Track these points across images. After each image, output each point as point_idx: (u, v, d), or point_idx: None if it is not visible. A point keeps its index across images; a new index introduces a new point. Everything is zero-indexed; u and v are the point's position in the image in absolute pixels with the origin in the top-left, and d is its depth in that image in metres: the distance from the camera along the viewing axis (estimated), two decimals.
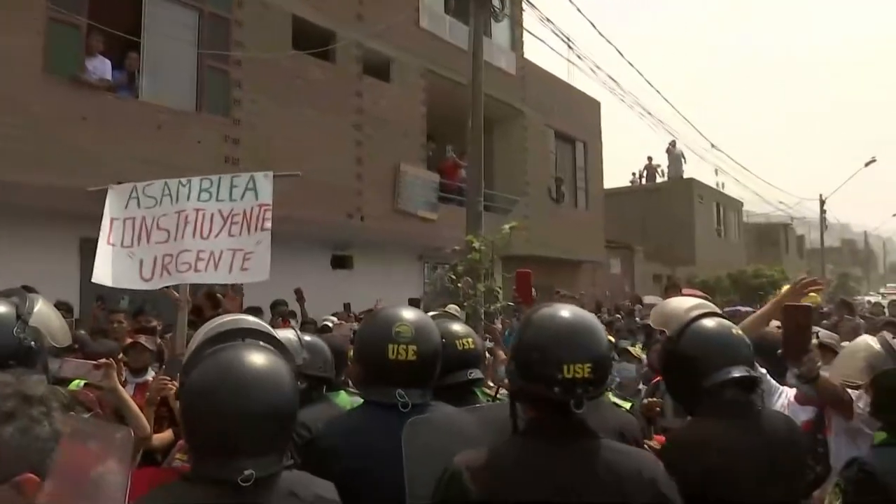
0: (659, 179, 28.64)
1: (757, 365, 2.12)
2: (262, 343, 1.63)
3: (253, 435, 1.44)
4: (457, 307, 6.79)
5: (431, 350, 2.03)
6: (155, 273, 3.67)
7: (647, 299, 17.52)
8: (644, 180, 30.01)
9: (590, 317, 1.73)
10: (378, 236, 12.10)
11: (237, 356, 1.52)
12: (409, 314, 2.08)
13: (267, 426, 1.46)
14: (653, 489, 1.58)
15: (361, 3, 11.84)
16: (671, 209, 25.58)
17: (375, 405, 2.02)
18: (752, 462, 1.91)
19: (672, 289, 7.64)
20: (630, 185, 28.88)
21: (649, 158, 29.62)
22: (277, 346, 1.65)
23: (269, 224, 3.65)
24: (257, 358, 1.53)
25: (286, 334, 3.30)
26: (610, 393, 3.05)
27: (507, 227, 9.18)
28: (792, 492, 2.01)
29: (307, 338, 3.24)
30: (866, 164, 32.03)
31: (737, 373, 1.99)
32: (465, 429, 1.88)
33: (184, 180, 3.84)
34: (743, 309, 10.39)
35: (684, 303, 2.33)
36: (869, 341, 2.68)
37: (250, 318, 1.83)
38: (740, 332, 2.14)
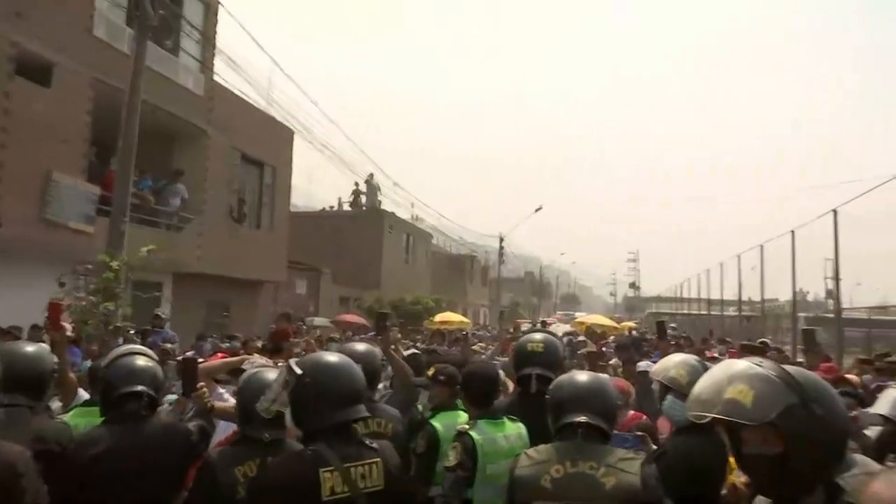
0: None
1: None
2: None
3: None
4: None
5: None
6: None
7: (317, 321, 18.83)
8: (351, 205, 32.01)
9: None
10: (18, 245, 11.47)
11: None
12: None
13: None
14: None
15: None
16: (363, 236, 27.54)
17: None
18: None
19: (281, 318, 8.61)
20: (325, 209, 30.42)
21: (356, 184, 31.61)
22: None
23: None
24: None
25: None
26: None
27: (144, 249, 9.48)
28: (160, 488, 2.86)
29: None
30: (536, 211, 37.76)
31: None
32: None
33: None
34: None
35: None
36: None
37: None
38: None
